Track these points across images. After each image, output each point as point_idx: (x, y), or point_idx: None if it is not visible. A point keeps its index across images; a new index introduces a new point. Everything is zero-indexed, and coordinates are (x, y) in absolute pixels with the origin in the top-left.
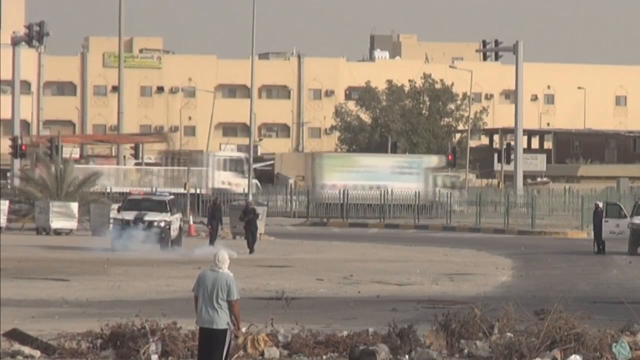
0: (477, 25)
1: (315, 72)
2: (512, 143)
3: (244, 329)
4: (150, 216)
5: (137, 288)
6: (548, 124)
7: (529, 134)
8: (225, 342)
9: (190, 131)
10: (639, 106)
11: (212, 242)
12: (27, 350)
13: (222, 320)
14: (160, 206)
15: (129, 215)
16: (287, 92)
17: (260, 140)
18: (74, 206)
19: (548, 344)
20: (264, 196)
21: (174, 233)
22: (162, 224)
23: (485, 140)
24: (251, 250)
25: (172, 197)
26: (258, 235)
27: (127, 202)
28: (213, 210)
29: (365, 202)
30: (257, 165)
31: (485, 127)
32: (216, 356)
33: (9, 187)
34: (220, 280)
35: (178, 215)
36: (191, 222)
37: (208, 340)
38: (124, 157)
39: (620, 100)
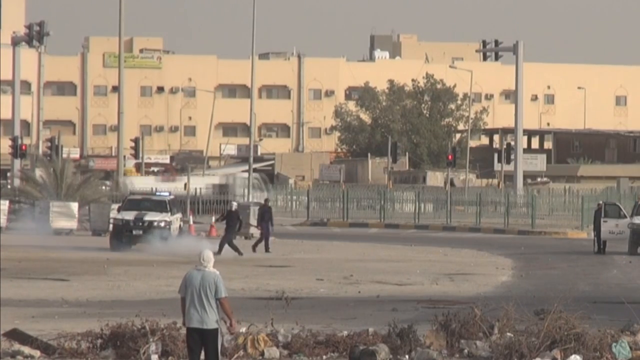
0: (477, 25)
1: (315, 72)
2: (512, 143)
3: (243, 329)
4: (150, 216)
5: (137, 288)
6: (548, 124)
7: (529, 134)
8: (217, 341)
9: (190, 131)
10: (639, 106)
11: (266, 245)
12: (27, 350)
13: (211, 319)
14: (160, 206)
15: (129, 215)
16: (287, 92)
17: (260, 140)
18: (74, 206)
19: (548, 344)
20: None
21: (174, 233)
22: (162, 224)
23: (485, 140)
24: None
25: (172, 197)
26: (259, 235)
27: (127, 202)
28: (262, 212)
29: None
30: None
31: (485, 127)
32: (211, 356)
33: (8, 187)
34: (207, 279)
35: (178, 215)
36: (191, 222)
37: (199, 341)
38: (124, 156)
39: (620, 100)
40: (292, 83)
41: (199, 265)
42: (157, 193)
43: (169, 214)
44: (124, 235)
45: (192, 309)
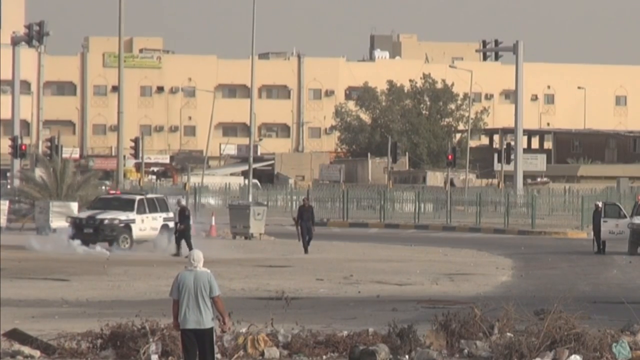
0: (477, 25)
1: (315, 72)
2: (512, 143)
3: (243, 329)
4: (105, 215)
5: (137, 288)
6: (548, 124)
7: (529, 134)
8: (213, 339)
9: (190, 131)
10: (639, 106)
11: (304, 246)
12: (27, 350)
13: (207, 319)
14: (126, 205)
15: (85, 214)
16: (287, 92)
17: (260, 140)
18: (74, 206)
19: (548, 344)
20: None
21: (141, 232)
22: (116, 222)
23: (485, 140)
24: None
25: (150, 196)
26: (258, 235)
27: (97, 201)
28: (301, 211)
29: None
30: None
31: (485, 127)
32: (208, 355)
33: (8, 187)
34: (201, 279)
35: (157, 215)
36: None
37: (195, 341)
38: (124, 156)
39: (620, 100)
40: (292, 83)
41: (190, 266)
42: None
43: (134, 213)
44: (78, 234)
45: (188, 310)
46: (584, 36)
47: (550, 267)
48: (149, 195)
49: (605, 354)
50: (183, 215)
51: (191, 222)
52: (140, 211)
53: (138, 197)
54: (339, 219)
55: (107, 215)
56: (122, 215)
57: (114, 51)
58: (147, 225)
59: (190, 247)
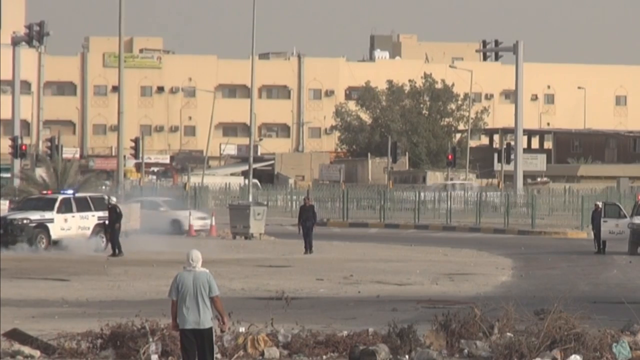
0: (477, 25)
1: (315, 72)
2: (512, 143)
3: (243, 329)
4: (16, 215)
5: (137, 288)
6: (548, 124)
7: (529, 134)
8: (213, 339)
9: (190, 131)
10: (639, 106)
11: (305, 246)
12: (27, 350)
13: (207, 319)
14: (47, 205)
15: None
16: (287, 92)
17: (260, 140)
18: None
19: (548, 344)
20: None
21: (63, 232)
22: (25, 222)
23: (485, 140)
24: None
25: (81, 195)
26: (258, 235)
27: (24, 201)
28: (302, 211)
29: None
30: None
31: (486, 127)
32: (208, 355)
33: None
34: (200, 279)
35: (89, 214)
36: (191, 222)
37: (194, 341)
38: (124, 156)
39: (620, 100)
40: (292, 83)
41: (188, 266)
42: (62, 191)
43: (53, 212)
44: None
45: (187, 310)
46: (584, 36)
47: (550, 267)
48: (81, 194)
49: (605, 354)
50: (114, 214)
51: (122, 221)
52: (62, 210)
53: (61, 197)
54: (339, 219)
55: (18, 216)
56: (36, 215)
57: (114, 51)
58: (72, 224)
59: (113, 248)
